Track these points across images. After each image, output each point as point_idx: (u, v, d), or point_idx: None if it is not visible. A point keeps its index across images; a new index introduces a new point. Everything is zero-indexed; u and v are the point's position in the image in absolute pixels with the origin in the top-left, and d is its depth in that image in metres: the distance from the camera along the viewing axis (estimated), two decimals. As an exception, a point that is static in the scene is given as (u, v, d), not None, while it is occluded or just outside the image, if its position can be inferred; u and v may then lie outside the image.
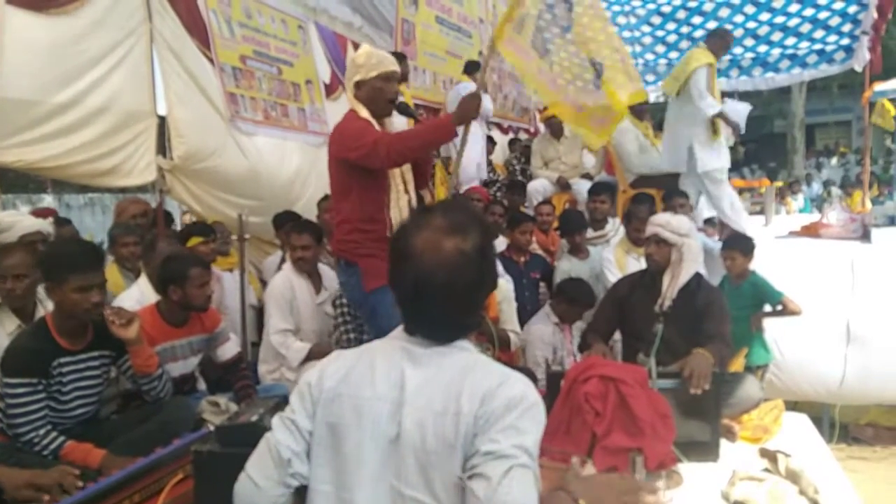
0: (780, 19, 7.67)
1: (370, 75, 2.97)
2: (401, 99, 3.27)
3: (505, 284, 4.18)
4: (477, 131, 6.61)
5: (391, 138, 2.90)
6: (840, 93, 18.62)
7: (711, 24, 7.93)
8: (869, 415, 5.22)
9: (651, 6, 8.12)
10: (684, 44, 8.19)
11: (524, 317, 4.38)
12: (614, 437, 2.48)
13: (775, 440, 3.04)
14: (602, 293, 4.18)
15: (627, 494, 1.30)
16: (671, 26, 8.21)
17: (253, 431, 1.48)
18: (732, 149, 6.02)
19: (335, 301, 3.76)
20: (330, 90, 6.25)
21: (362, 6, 6.85)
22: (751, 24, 7.77)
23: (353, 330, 3.65)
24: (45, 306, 2.96)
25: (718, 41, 5.67)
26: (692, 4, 7.92)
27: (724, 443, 2.88)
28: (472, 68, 6.97)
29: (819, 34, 7.60)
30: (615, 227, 5.46)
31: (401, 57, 6.05)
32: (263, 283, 4.64)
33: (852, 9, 7.31)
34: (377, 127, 2.97)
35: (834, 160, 21.39)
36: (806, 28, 7.63)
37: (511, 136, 9.18)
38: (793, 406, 4.15)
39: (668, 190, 5.43)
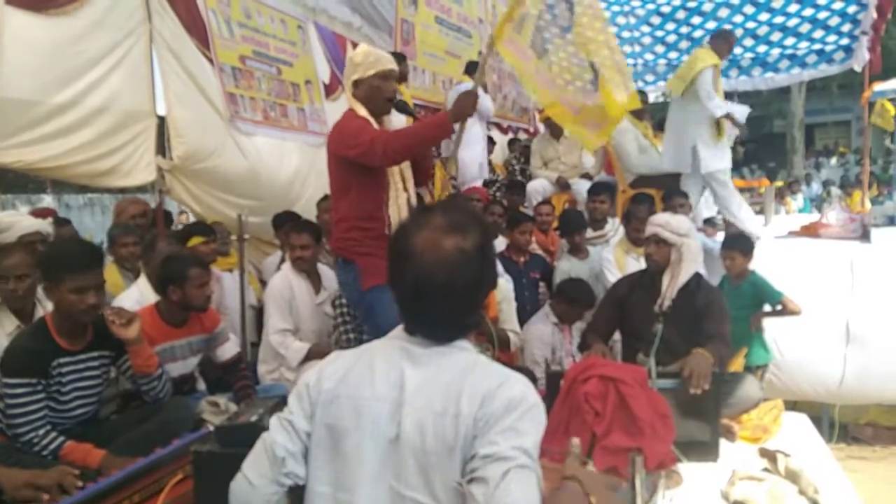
0: (779, 19, 7.66)
1: (368, 74, 2.98)
2: (399, 97, 3.28)
3: (504, 284, 4.18)
4: (478, 131, 6.62)
5: (388, 136, 2.90)
6: (839, 93, 18.63)
7: (711, 24, 7.93)
8: (868, 414, 5.22)
9: (650, 6, 8.11)
10: (684, 44, 8.19)
11: (524, 317, 4.38)
12: (614, 437, 2.49)
13: (775, 440, 3.05)
14: (602, 293, 4.18)
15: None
16: (671, 26, 8.21)
17: (252, 431, 1.49)
18: (732, 149, 6.02)
19: (335, 301, 3.76)
20: (329, 90, 6.25)
21: (362, 6, 6.85)
22: (750, 24, 7.76)
23: (353, 330, 3.65)
24: (45, 306, 2.96)
25: (722, 42, 5.67)
26: (691, 4, 7.92)
27: (723, 442, 2.88)
28: (472, 69, 6.95)
29: (818, 34, 7.60)
30: (615, 227, 5.46)
31: (400, 57, 6.07)
32: (263, 284, 4.63)
33: (852, 9, 7.30)
34: (375, 125, 2.98)
35: (833, 160, 21.40)
36: (805, 28, 7.63)
37: (510, 136, 9.18)
38: (792, 406, 4.15)
39: (667, 190, 5.43)
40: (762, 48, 7.83)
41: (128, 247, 3.96)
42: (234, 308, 4.17)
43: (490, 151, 7.59)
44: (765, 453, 2.78)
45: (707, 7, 7.87)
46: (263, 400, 2.16)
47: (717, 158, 5.53)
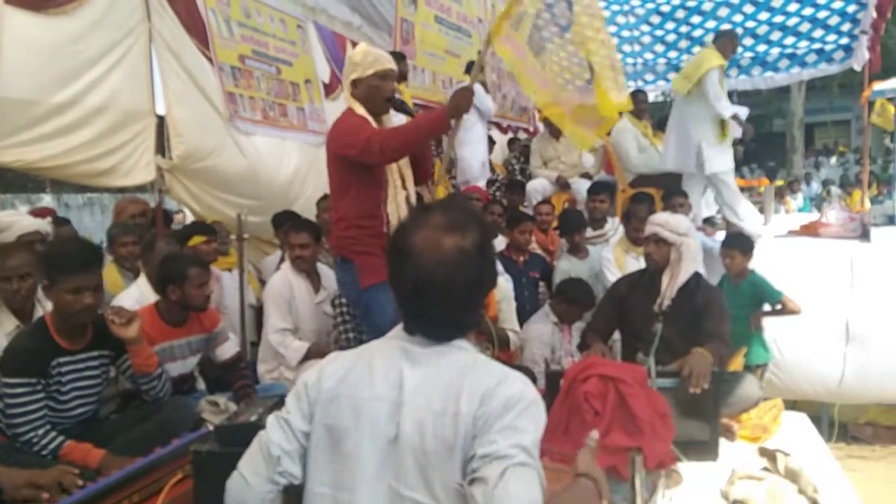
0: (779, 18, 7.66)
1: (366, 73, 2.98)
2: (398, 96, 3.28)
3: (504, 283, 4.18)
4: (480, 131, 6.63)
5: (385, 134, 2.91)
6: (839, 92, 18.63)
7: (710, 24, 7.93)
8: (868, 414, 5.22)
9: (650, 5, 8.11)
10: (683, 43, 8.19)
11: (523, 316, 4.37)
12: (614, 437, 2.49)
13: (774, 439, 3.05)
14: (601, 292, 4.18)
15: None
16: (670, 25, 8.20)
17: (252, 431, 1.48)
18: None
19: (334, 301, 3.76)
20: (329, 90, 6.25)
21: (361, 6, 6.85)
22: (750, 24, 7.76)
23: (353, 330, 3.64)
24: (44, 306, 2.95)
25: (727, 42, 5.68)
26: (691, 4, 7.91)
27: (723, 442, 2.88)
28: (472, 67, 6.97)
29: (818, 33, 7.60)
30: (614, 227, 5.46)
31: (400, 56, 6.06)
32: (262, 283, 4.63)
33: (851, 8, 7.30)
34: (374, 124, 2.98)
35: (833, 159, 21.40)
36: (805, 27, 7.62)
37: (510, 135, 9.17)
38: (792, 405, 4.15)
39: (667, 189, 5.43)
40: (762, 47, 7.83)
41: (127, 246, 3.96)
42: (234, 307, 4.17)
43: (490, 151, 7.59)
44: (764, 452, 2.78)
45: (707, 6, 7.87)
46: (263, 399, 2.17)
47: (722, 158, 5.53)
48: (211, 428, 2.25)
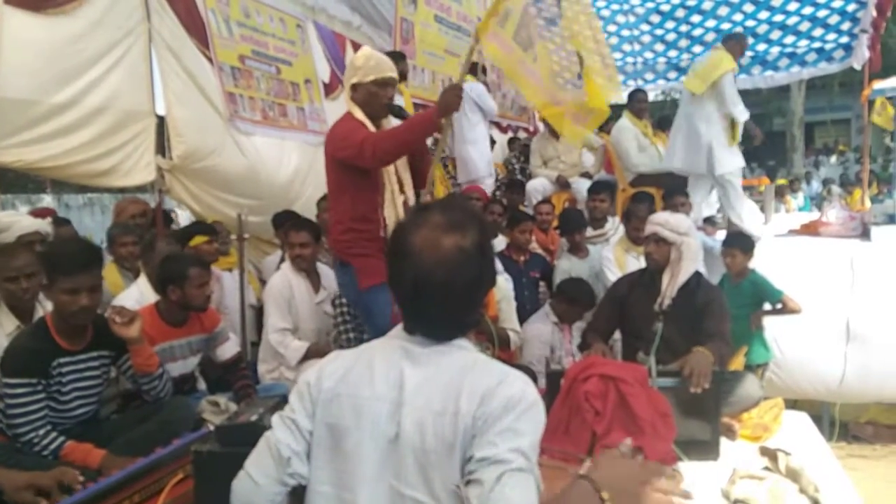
0: (778, 17, 7.66)
1: (366, 79, 3.00)
2: (399, 96, 3.28)
3: (504, 283, 4.19)
4: (483, 130, 6.64)
5: (377, 137, 2.93)
6: (839, 91, 18.62)
7: (710, 23, 7.94)
8: (869, 413, 5.22)
9: (650, 4, 8.11)
10: (683, 42, 8.19)
11: (523, 316, 4.38)
12: (614, 436, 2.48)
13: (775, 438, 3.04)
14: (602, 292, 4.18)
15: (647, 481, 1.28)
16: (670, 24, 8.20)
17: (253, 431, 1.48)
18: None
19: (335, 300, 3.76)
20: (329, 89, 6.25)
21: (361, 5, 6.85)
22: (750, 23, 7.76)
23: (353, 329, 3.65)
24: (44, 306, 2.96)
25: (736, 45, 5.69)
26: (691, 3, 7.91)
27: (724, 441, 2.88)
28: (474, 68, 6.97)
29: (818, 32, 7.60)
30: (615, 226, 5.46)
31: (400, 56, 6.06)
32: (263, 283, 4.63)
33: (851, 7, 7.30)
34: (371, 128, 3.00)
35: (833, 158, 21.39)
36: (805, 26, 7.62)
37: (510, 134, 9.17)
38: (793, 404, 4.15)
39: (667, 189, 5.43)
40: (762, 46, 7.83)
41: (127, 246, 3.96)
42: (234, 307, 4.17)
43: (490, 150, 7.59)
44: (765, 452, 2.77)
45: (706, 5, 7.87)
46: (263, 399, 2.16)
47: (731, 160, 5.54)
48: (212, 428, 2.25)
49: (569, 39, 3.57)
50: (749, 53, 7.92)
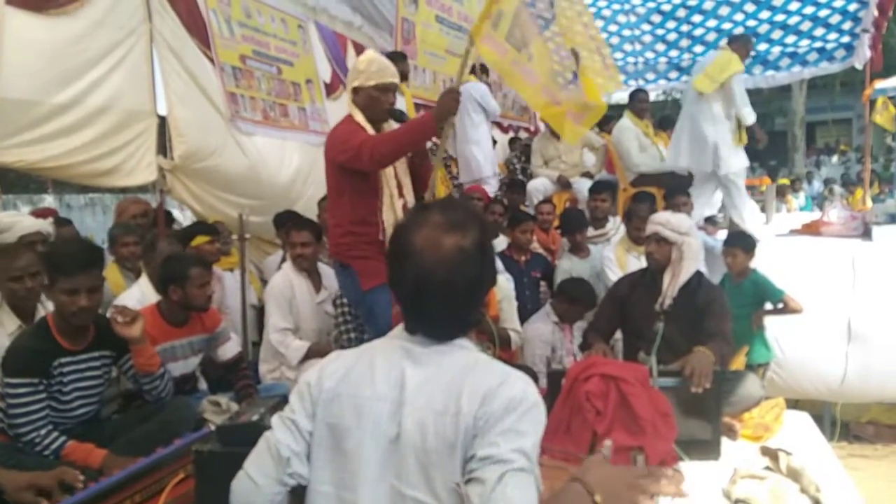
0: (780, 17, 7.66)
1: (368, 84, 3.02)
2: (399, 99, 3.29)
3: (505, 283, 4.19)
4: (486, 130, 6.65)
5: (376, 140, 2.94)
6: (840, 91, 18.60)
7: (711, 23, 7.94)
8: (870, 413, 5.21)
9: (651, 4, 8.12)
10: (684, 42, 8.20)
11: (524, 315, 4.38)
12: (615, 436, 2.48)
13: (776, 438, 3.04)
14: (603, 292, 4.18)
15: (636, 483, 1.29)
16: (671, 24, 8.20)
17: (254, 431, 1.48)
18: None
19: (336, 300, 3.77)
20: (330, 89, 6.26)
21: (362, 5, 6.85)
22: (751, 23, 7.76)
23: (354, 329, 3.65)
24: (46, 306, 2.96)
25: (742, 46, 5.70)
26: (692, 3, 7.92)
27: (725, 441, 2.88)
28: (476, 68, 6.98)
29: (819, 32, 7.60)
30: (616, 226, 5.46)
31: (401, 56, 6.07)
32: (264, 283, 4.64)
33: (853, 6, 7.30)
34: (371, 131, 3.02)
35: (834, 158, 21.37)
36: (806, 26, 7.62)
37: (511, 134, 9.17)
38: (794, 404, 4.15)
39: (669, 188, 5.43)
40: (763, 46, 7.83)
41: (129, 246, 3.97)
42: (236, 307, 4.18)
43: (491, 150, 7.59)
44: (766, 452, 2.77)
45: (707, 5, 7.88)
46: (265, 399, 2.17)
47: (736, 160, 5.55)
48: (213, 428, 2.26)
49: (563, 37, 3.57)
50: (750, 53, 7.93)
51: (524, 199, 6.40)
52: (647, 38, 8.38)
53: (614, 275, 4.32)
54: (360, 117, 3.04)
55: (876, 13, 7.19)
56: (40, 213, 4.95)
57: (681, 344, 3.06)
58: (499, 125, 8.96)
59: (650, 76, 8.51)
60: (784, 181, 13.19)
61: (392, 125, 3.17)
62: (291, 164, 5.57)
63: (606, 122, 6.94)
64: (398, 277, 1.38)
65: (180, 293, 3.11)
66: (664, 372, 2.83)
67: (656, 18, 8.22)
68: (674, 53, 8.33)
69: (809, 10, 7.48)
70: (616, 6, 8.22)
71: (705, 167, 5.59)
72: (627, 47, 8.47)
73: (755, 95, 5.67)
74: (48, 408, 2.56)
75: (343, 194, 3.07)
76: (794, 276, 4.63)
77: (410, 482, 1.29)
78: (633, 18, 8.30)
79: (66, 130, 3.86)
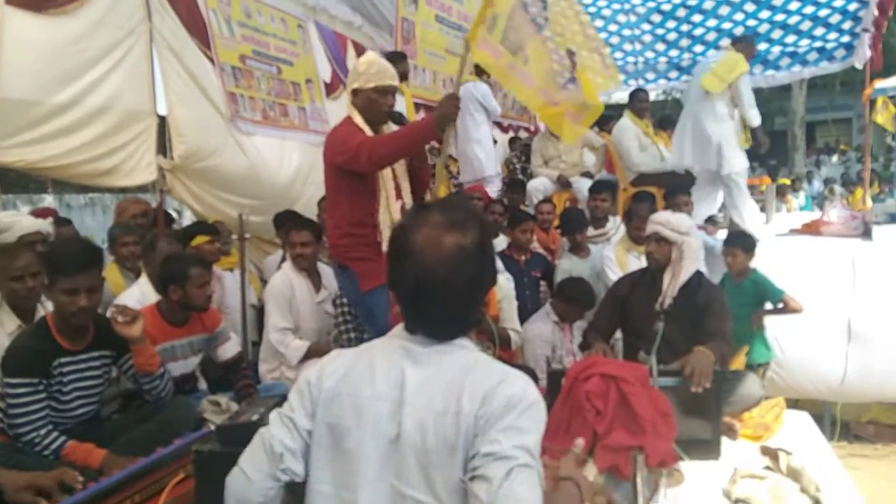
0: (780, 17, 7.66)
1: (367, 86, 3.03)
2: (399, 100, 3.30)
3: (505, 283, 4.19)
4: (488, 130, 6.65)
5: (374, 141, 2.95)
6: (841, 90, 18.59)
7: (711, 22, 7.94)
8: (870, 412, 5.21)
9: (651, 4, 8.11)
10: (684, 41, 8.19)
11: (524, 315, 4.38)
12: (615, 436, 2.48)
13: (776, 438, 3.04)
14: (603, 291, 4.18)
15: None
16: (671, 24, 8.20)
17: (253, 431, 1.48)
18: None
19: (335, 300, 3.76)
20: (330, 89, 6.25)
21: (362, 5, 6.85)
22: (751, 22, 7.75)
23: (354, 329, 3.65)
24: (45, 306, 2.96)
25: (747, 47, 5.72)
26: (692, 2, 7.92)
27: (725, 441, 2.88)
28: (477, 69, 6.97)
29: (819, 31, 7.59)
30: (616, 226, 5.46)
31: (401, 56, 6.06)
32: (264, 283, 4.64)
33: (853, 6, 7.29)
34: (370, 133, 3.03)
35: (834, 158, 21.35)
36: (806, 25, 7.62)
37: (511, 134, 9.17)
38: (794, 404, 4.15)
39: (669, 188, 5.43)
40: (763, 46, 7.82)
41: (128, 246, 3.96)
42: (235, 307, 4.18)
43: (491, 150, 7.58)
44: (766, 451, 2.77)
45: (708, 5, 7.87)
46: (265, 399, 2.17)
47: (739, 160, 5.56)
48: (212, 428, 2.26)
49: (558, 38, 3.58)
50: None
51: (524, 199, 6.40)
52: (647, 38, 8.38)
53: (614, 274, 4.32)
54: (358, 119, 3.05)
55: (876, 12, 7.19)
56: (40, 213, 4.94)
57: (681, 344, 3.06)
58: (499, 125, 8.95)
59: (650, 76, 8.51)
60: (785, 181, 13.19)
61: (391, 127, 3.17)
62: (291, 164, 5.57)
63: (606, 121, 6.94)
64: (398, 277, 1.38)
65: (180, 293, 3.11)
66: (664, 371, 2.83)
67: (656, 18, 8.22)
68: (674, 53, 8.33)
69: (809, 9, 7.48)
70: (616, 6, 8.21)
71: (710, 166, 5.59)
72: (627, 47, 8.46)
73: (755, 95, 5.67)
74: (48, 408, 2.56)
75: (341, 196, 3.09)
76: (794, 275, 4.63)
77: (410, 482, 1.29)
78: (633, 18, 8.30)
79: (66, 130, 3.86)
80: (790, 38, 7.75)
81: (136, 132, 4.28)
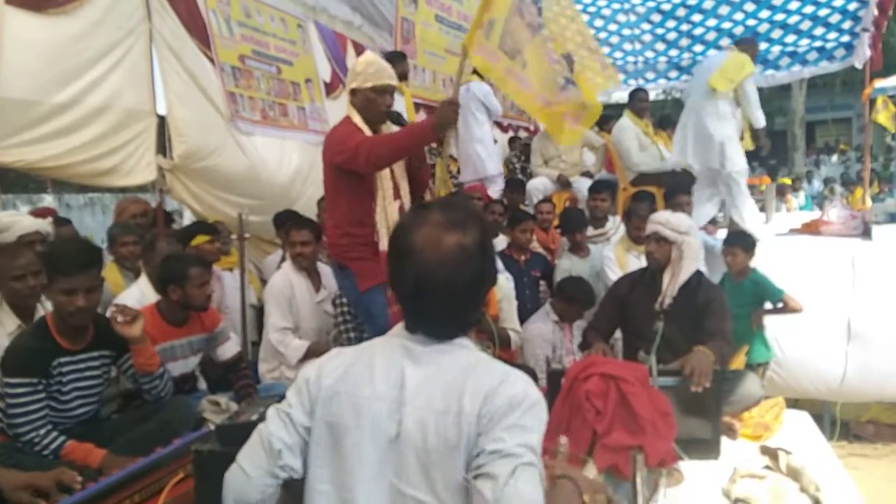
0: (780, 17, 7.66)
1: (365, 85, 3.04)
2: (399, 99, 3.30)
3: (505, 282, 4.19)
4: (489, 130, 6.65)
5: (372, 143, 2.96)
6: (840, 90, 18.59)
7: (711, 22, 7.94)
8: (870, 412, 5.21)
9: (651, 3, 8.12)
10: (684, 41, 8.19)
11: (524, 315, 4.38)
12: (615, 436, 2.48)
13: (776, 438, 3.04)
14: (603, 291, 4.18)
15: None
16: (671, 24, 8.20)
17: (253, 431, 1.48)
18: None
19: (335, 300, 3.76)
20: (330, 89, 6.25)
21: (362, 5, 6.85)
22: (751, 22, 7.76)
23: (353, 329, 3.64)
24: (45, 306, 2.96)
25: (750, 48, 5.73)
26: (692, 2, 7.92)
27: (725, 440, 2.88)
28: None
29: (819, 31, 7.60)
30: (615, 225, 5.46)
31: (401, 56, 6.06)
32: (263, 283, 4.63)
33: (852, 6, 7.30)
34: (369, 133, 3.04)
35: (834, 157, 21.35)
36: (806, 25, 7.62)
37: (511, 134, 9.16)
38: (793, 403, 4.15)
39: (669, 188, 5.43)
40: (763, 45, 7.81)
41: (128, 246, 3.96)
42: (235, 307, 4.17)
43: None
44: (766, 451, 2.77)
45: (707, 4, 7.88)
46: (264, 399, 2.16)
47: (740, 159, 5.57)
48: (212, 427, 2.25)
49: (553, 42, 3.58)
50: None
51: (524, 199, 6.39)
52: (647, 38, 8.38)
53: (614, 274, 4.32)
54: (357, 119, 3.06)
55: (876, 12, 7.19)
56: (39, 213, 4.94)
57: (680, 343, 3.06)
58: (498, 124, 8.95)
59: (650, 75, 8.51)
60: (787, 181, 13.20)
61: (390, 127, 3.18)
62: (291, 164, 5.57)
63: (606, 121, 6.94)
64: (399, 277, 1.38)
65: (180, 293, 3.11)
66: (664, 371, 2.83)
67: (656, 17, 8.22)
68: (673, 52, 8.33)
69: (809, 9, 7.49)
70: (616, 5, 8.21)
71: (712, 163, 5.59)
72: (627, 46, 8.46)
73: (755, 95, 5.68)
74: (47, 407, 2.56)
75: (340, 195, 3.10)
76: (793, 275, 4.63)
77: (411, 481, 1.29)
78: (632, 17, 8.30)
79: (66, 130, 3.85)
80: (790, 38, 7.75)
81: (136, 132, 4.27)
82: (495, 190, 6.41)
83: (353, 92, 3.09)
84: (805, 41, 7.73)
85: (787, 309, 4.15)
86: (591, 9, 8.29)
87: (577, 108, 3.57)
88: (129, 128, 4.22)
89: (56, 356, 2.58)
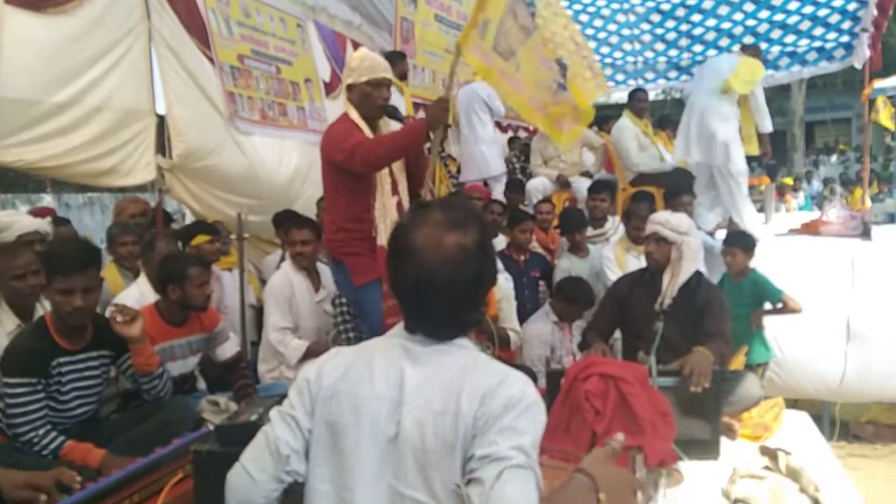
0: (779, 17, 7.66)
1: (360, 80, 3.06)
2: (399, 98, 3.31)
3: (505, 283, 4.18)
4: (492, 130, 6.65)
5: (369, 143, 2.99)
6: (840, 90, 18.61)
7: (711, 22, 7.94)
8: (869, 412, 5.21)
9: (650, 4, 8.11)
10: (684, 41, 8.19)
11: (524, 315, 4.38)
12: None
13: (776, 438, 3.05)
14: (602, 291, 4.18)
15: (636, 489, 1.29)
16: (670, 24, 8.20)
17: (253, 431, 1.48)
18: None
19: (335, 300, 3.76)
20: (330, 88, 6.25)
21: (361, 4, 6.85)
22: (750, 22, 7.76)
23: (353, 329, 3.64)
24: (44, 306, 2.96)
25: (756, 53, 5.76)
26: (691, 2, 7.92)
27: (724, 441, 2.88)
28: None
29: (819, 31, 7.60)
30: (615, 226, 5.46)
31: (400, 55, 6.06)
32: (263, 283, 4.63)
33: (852, 6, 7.30)
34: (367, 130, 3.06)
35: (833, 158, 21.38)
36: (805, 25, 7.62)
37: (510, 134, 9.16)
38: (793, 404, 4.15)
39: (669, 188, 5.43)
40: (762, 45, 7.81)
41: (127, 246, 3.96)
42: (234, 307, 4.17)
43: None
44: (765, 451, 2.77)
45: (707, 4, 7.88)
46: (264, 399, 2.17)
47: (742, 159, 5.60)
48: (211, 427, 2.25)
49: (545, 47, 3.58)
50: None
51: (523, 199, 6.39)
52: (647, 38, 8.38)
53: (613, 274, 4.32)
54: (355, 115, 3.08)
55: (875, 12, 7.19)
56: (38, 213, 4.94)
57: (680, 344, 3.06)
58: (498, 124, 8.93)
59: (649, 75, 8.51)
60: (788, 180, 13.21)
61: (388, 122, 3.19)
62: (290, 164, 5.57)
63: (606, 121, 6.94)
64: (399, 276, 1.37)
65: (179, 293, 3.11)
66: (663, 371, 2.83)
67: (655, 17, 8.22)
68: (673, 52, 8.33)
69: (809, 9, 7.49)
70: (615, 5, 8.21)
71: (716, 161, 5.60)
72: (627, 46, 8.46)
73: (755, 94, 5.70)
74: (46, 407, 2.55)
75: (338, 191, 3.12)
76: (793, 275, 4.63)
77: (409, 482, 1.28)
78: (632, 17, 8.30)
79: (65, 130, 3.85)
80: (789, 38, 7.76)
81: (135, 131, 4.27)
82: (499, 189, 6.41)
83: (350, 88, 3.12)
84: (804, 41, 7.73)
85: (786, 309, 4.15)
86: (591, 9, 8.28)
87: (572, 111, 3.57)
88: (128, 127, 4.22)
89: (55, 356, 2.57)
